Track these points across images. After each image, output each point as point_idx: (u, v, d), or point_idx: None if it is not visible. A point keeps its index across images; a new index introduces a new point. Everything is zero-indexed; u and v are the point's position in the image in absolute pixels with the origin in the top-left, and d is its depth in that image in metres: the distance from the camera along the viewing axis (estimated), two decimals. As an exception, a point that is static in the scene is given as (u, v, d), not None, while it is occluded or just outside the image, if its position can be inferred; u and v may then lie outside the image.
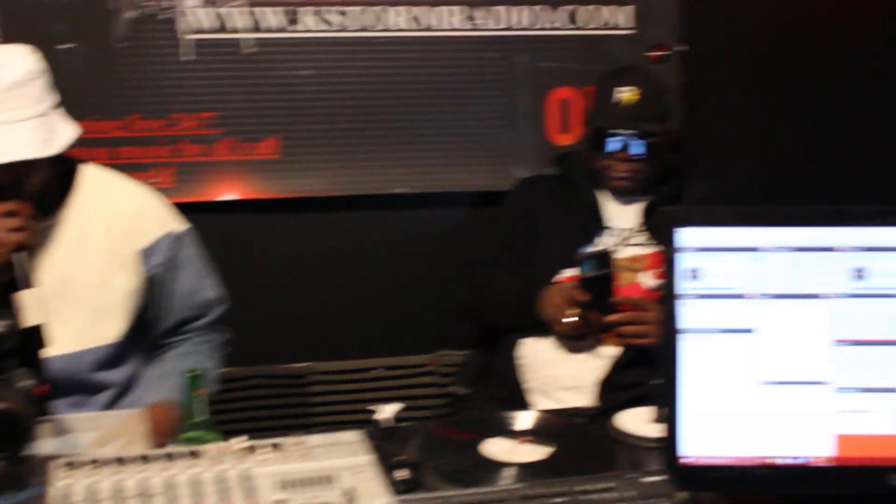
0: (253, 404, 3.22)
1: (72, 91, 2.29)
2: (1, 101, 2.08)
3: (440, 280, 3.24)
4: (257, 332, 3.28)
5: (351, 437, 1.56)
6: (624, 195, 2.79)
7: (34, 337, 2.10)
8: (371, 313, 3.36)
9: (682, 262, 1.71)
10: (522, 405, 2.61)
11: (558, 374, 2.64)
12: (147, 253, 2.35)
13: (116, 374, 2.36)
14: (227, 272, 3.14)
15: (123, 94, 3.11)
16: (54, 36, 3.03)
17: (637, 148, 2.72)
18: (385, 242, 3.36)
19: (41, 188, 2.21)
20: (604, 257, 2.54)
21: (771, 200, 3.41)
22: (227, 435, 1.94)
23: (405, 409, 2.03)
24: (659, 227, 2.37)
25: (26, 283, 2.10)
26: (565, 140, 3.35)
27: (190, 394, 1.93)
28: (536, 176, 3.06)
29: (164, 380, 2.30)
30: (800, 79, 3.58)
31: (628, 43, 3.38)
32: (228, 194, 3.22)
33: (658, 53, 3.40)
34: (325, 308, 3.34)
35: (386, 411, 2.01)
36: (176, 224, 2.43)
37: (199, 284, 2.43)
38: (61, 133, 2.19)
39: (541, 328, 2.64)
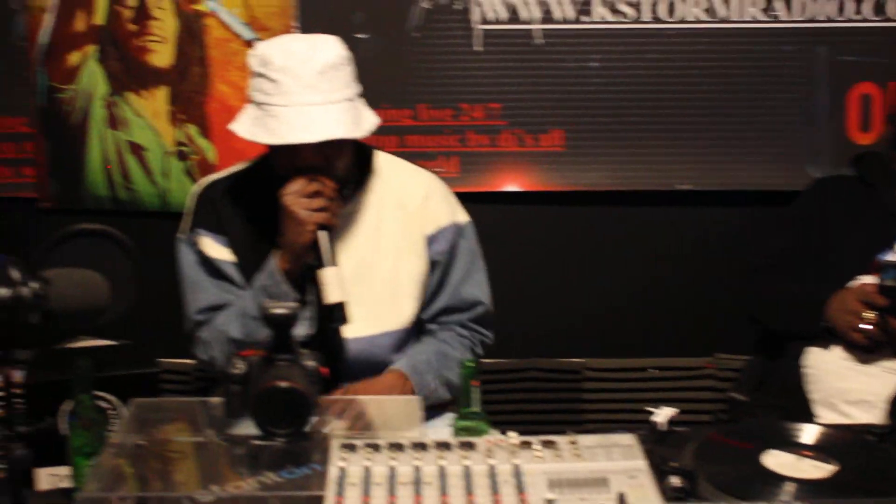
0: (525, 396, 3.23)
1: (365, 80, 2.32)
2: (315, 83, 2.15)
3: (721, 280, 3.12)
4: (533, 324, 3.29)
5: (626, 439, 1.52)
6: None
7: (336, 315, 2.20)
8: (648, 311, 3.30)
9: None
10: (805, 416, 2.48)
11: (846, 387, 2.49)
12: (431, 239, 2.40)
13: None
14: (507, 263, 3.18)
15: (414, 83, 3.19)
16: (351, 26, 3.13)
17: None
18: (666, 239, 3.29)
19: (343, 173, 2.29)
20: None
21: None
22: (497, 426, 1.95)
23: (681, 414, 1.97)
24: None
25: (329, 262, 2.19)
26: (866, 139, 3.16)
27: (467, 383, 1.95)
28: (832, 177, 2.90)
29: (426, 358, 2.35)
30: None
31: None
32: (511, 185, 3.24)
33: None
34: (603, 303, 3.31)
35: (662, 414, 1.95)
36: (459, 215, 2.46)
37: (468, 278, 2.44)
38: (367, 118, 2.26)
39: (829, 336, 2.50)
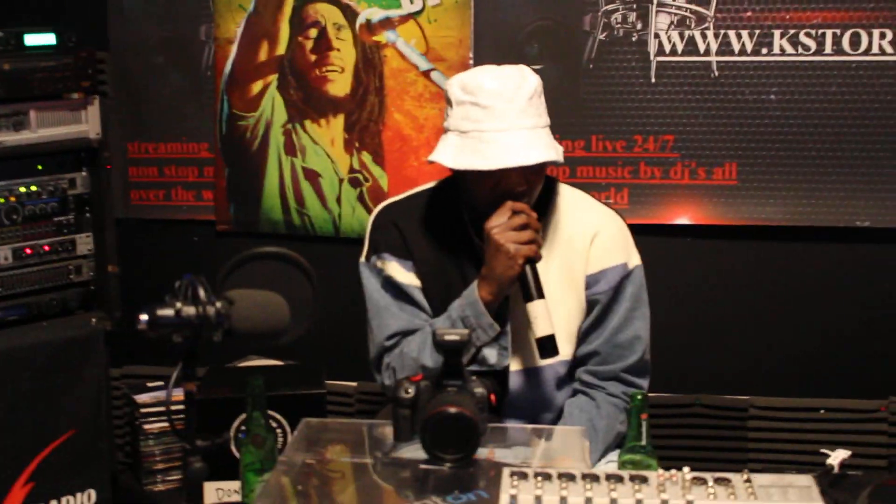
0: (689, 433, 3.17)
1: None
2: (525, 108, 2.19)
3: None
4: (701, 359, 3.24)
5: (803, 480, 1.47)
6: None
7: (546, 347, 2.21)
8: (821, 350, 3.19)
9: None
10: None
11: None
12: (592, 279, 2.36)
13: (562, 396, 2.41)
14: (676, 296, 3.14)
15: (587, 114, 3.18)
16: (525, 57, 3.14)
17: None
18: (841, 277, 3.18)
19: (537, 202, 2.30)
20: None
21: None
22: (662, 461, 1.92)
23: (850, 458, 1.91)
24: None
25: (536, 295, 2.21)
26: None
27: (637, 416, 1.93)
28: None
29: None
30: None
31: None
32: (682, 218, 3.19)
33: None
34: (773, 340, 3.22)
35: (836, 456, 1.89)
36: (629, 258, 2.40)
37: (627, 324, 2.38)
38: (559, 146, 2.28)
39: None
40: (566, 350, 2.36)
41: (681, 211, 3.18)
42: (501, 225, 2.20)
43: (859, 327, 3.17)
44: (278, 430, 2.46)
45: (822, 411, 3.10)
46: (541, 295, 2.21)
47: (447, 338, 1.90)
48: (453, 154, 2.22)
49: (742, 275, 3.22)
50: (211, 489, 2.42)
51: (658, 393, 3.04)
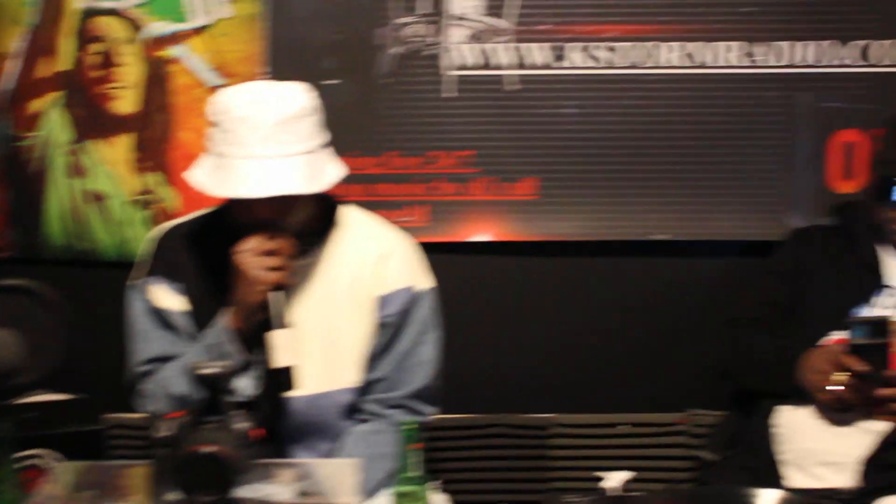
0: (490, 453, 3.12)
1: (333, 127, 2.28)
2: (271, 135, 2.09)
3: (697, 334, 3.03)
4: (501, 377, 3.19)
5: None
6: None
7: (283, 380, 2.11)
8: (621, 365, 3.19)
9: None
10: (775, 478, 2.37)
11: (817, 448, 2.39)
12: (385, 301, 2.29)
13: (349, 424, 2.33)
14: (477, 314, 3.09)
15: (383, 130, 3.10)
16: (321, 72, 3.05)
17: None
18: (641, 291, 3.18)
19: (302, 226, 2.22)
20: (881, 325, 2.27)
21: None
22: (464, 483, 1.85)
23: (651, 472, 1.88)
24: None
25: (280, 324, 2.12)
26: (848, 188, 3.05)
27: (405, 447, 1.85)
28: (811, 227, 2.80)
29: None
30: None
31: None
32: (482, 235, 3.13)
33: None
34: (574, 356, 3.20)
35: (615, 478, 1.85)
36: (420, 281, 2.35)
37: (415, 349, 2.32)
38: (326, 171, 2.19)
39: (801, 395, 2.40)
40: (354, 377, 2.29)
41: (481, 227, 3.13)
42: (248, 250, 2.12)
43: (659, 340, 3.18)
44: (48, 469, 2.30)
45: (619, 427, 3.09)
46: (284, 325, 2.12)
47: (204, 371, 1.80)
48: (201, 175, 2.17)
49: (543, 291, 3.19)
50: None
51: (459, 414, 2.97)
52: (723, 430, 2.70)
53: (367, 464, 2.17)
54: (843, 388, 2.29)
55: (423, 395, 2.32)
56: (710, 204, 3.10)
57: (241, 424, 1.80)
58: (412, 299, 2.31)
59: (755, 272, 2.77)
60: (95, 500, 1.86)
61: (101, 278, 3.06)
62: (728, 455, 2.59)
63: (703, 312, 3.02)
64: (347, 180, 2.49)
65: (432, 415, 2.35)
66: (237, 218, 2.19)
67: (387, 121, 3.09)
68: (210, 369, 1.80)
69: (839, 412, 2.35)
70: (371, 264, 2.29)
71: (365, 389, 2.32)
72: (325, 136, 2.23)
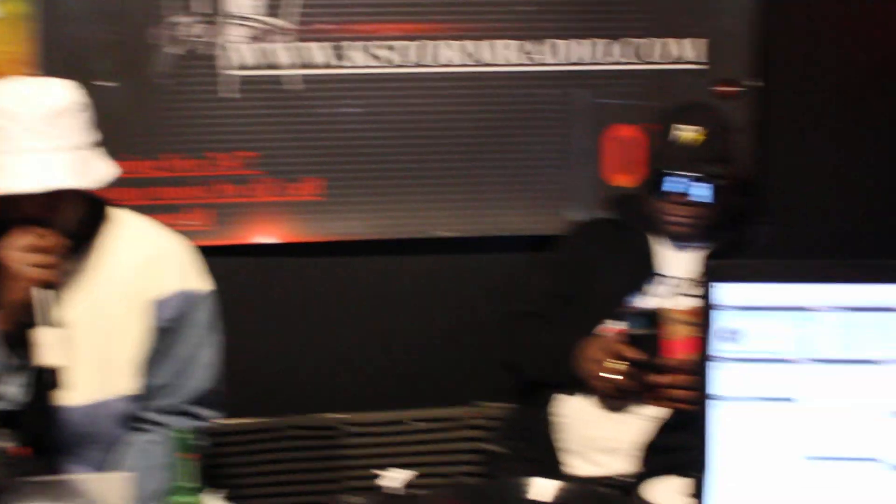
0: (283, 456, 3.08)
1: (109, 129, 2.22)
2: (38, 129, 2.03)
3: (482, 328, 3.08)
4: (291, 380, 3.16)
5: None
6: (680, 241, 2.61)
7: (48, 380, 2.03)
8: (409, 361, 3.22)
9: (720, 321, 1.55)
10: (556, 467, 2.44)
11: (597, 435, 2.47)
12: (160, 304, 2.23)
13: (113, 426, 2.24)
14: (263, 317, 3.05)
15: (161, 132, 3.01)
16: (95, 73, 2.94)
17: (697, 191, 2.56)
18: (426, 288, 3.21)
19: (71, 227, 2.13)
20: (654, 316, 2.36)
21: (849, 252, 3.17)
22: (255, 488, 1.81)
23: (442, 466, 1.90)
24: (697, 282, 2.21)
25: (47, 322, 2.03)
26: (624, 181, 3.15)
27: (177, 456, 1.80)
28: (589, 220, 2.89)
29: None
30: (884, 119, 3.34)
31: (697, 78, 3.19)
32: (267, 237, 3.09)
33: (728, 89, 3.19)
34: (363, 355, 3.20)
35: (395, 478, 1.86)
36: (196, 284, 2.29)
37: (194, 354, 2.26)
38: (97, 169, 2.12)
39: (580, 384, 2.46)
40: (129, 385, 2.21)
41: (266, 229, 3.08)
42: (12, 247, 2.03)
43: (447, 336, 3.22)
44: None
45: (406, 423, 3.11)
46: (51, 323, 2.03)
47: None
48: None
49: (329, 291, 3.18)
50: None
51: (248, 419, 2.93)
52: (508, 422, 2.76)
53: (143, 476, 2.10)
54: (618, 376, 2.36)
55: (203, 400, 2.27)
56: (492, 200, 3.16)
57: (2, 443, 1.73)
58: (188, 302, 2.25)
59: (536, 265, 2.84)
60: None
61: None
62: (513, 446, 2.64)
63: (487, 307, 3.08)
64: (125, 184, 2.43)
65: (214, 419, 2.30)
66: (2, 215, 2.08)
67: (165, 122, 3.01)
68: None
69: (615, 400, 2.42)
70: (143, 267, 2.23)
71: (143, 397, 2.25)
72: (96, 136, 2.15)
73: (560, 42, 3.14)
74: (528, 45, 3.12)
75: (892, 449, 1.54)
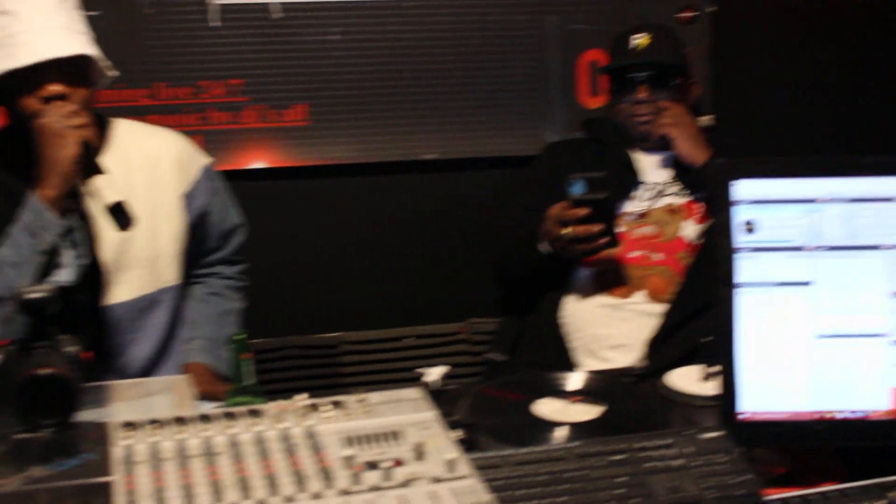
0: (284, 375, 3.20)
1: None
2: (49, 10, 2.15)
3: (470, 247, 3.21)
4: (287, 301, 3.26)
5: (413, 393, 1.53)
6: (650, 142, 2.76)
7: (119, 217, 2.13)
8: (401, 281, 3.34)
9: (738, 215, 1.69)
10: (567, 367, 2.58)
11: (605, 333, 2.61)
12: (189, 196, 2.40)
13: (161, 315, 2.38)
14: (255, 241, 3.12)
15: (150, 61, 3.08)
16: (82, 2, 2.97)
17: (656, 86, 2.72)
18: (414, 209, 3.33)
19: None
20: (598, 181, 2.45)
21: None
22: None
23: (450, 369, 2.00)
24: (711, 179, 2.34)
25: (97, 171, 2.15)
26: (596, 104, 3.31)
27: (237, 357, 1.91)
28: (563, 140, 3.03)
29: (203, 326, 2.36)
30: (832, 39, 3.54)
31: (660, 4, 3.35)
32: (257, 162, 3.19)
33: (688, 14, 3.36)
34: (355, 276, 3.32)
35: (433, 374, 1.98)
36: (203, 159, 2.49)
37: (226, 213, 2.51)
38: (104, 60, 2.24)
39: (584, 287, 2.61)
40: (169, 272, 2.36)
41: (255, 155, 3.18)
42: (50, 114, 2.12)
43: (436, 255, 3.34)
44: None
45: (404, 339, 3.24)
46: (101, 171, 2.15)
47: (29, 296, 1.78)
48: None
49: (320, 214, 3.28)
50: None
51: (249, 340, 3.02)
52: (505, 333, 2.88)
53: (215, 322, 2.27)
54: (569, 231, 2.46)
55: (239, 252, 2.56)
56: (473, 123, 3.29)
57: (72, 347, 1.80)
58: (208, 177, 2.46)
59: (515, 184, 2.94)
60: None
61: None
62: (516, 354, 2.78)
63: (473, 226, 3.21)
64: (118, 112, 2.51)
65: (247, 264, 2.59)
66: (24, 109, 2.17)
67: (153, 52, 3.08)
68: (35, 293, 1.79)
69: (569, 256, 2.53)
70: (165, 165, 2.38)
71: (193, 263, 2.46)
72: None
73: (532, -30, 3.26)
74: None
75: (893, 326, 1.70)
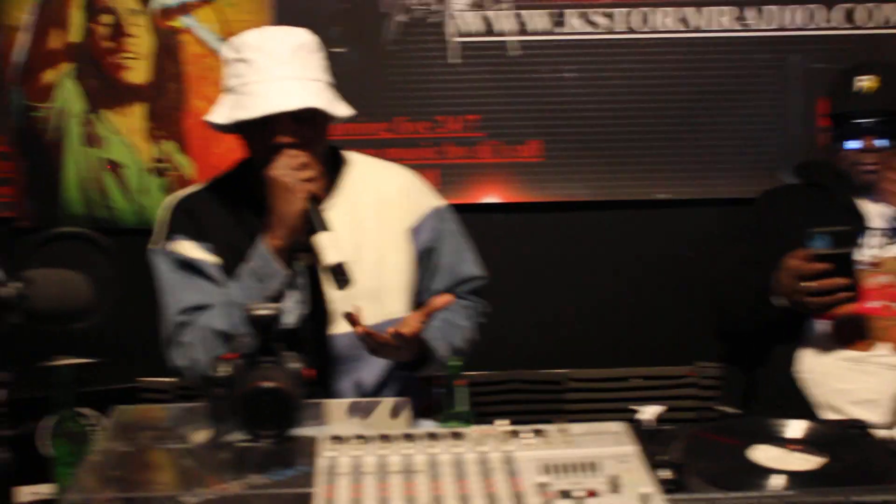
0: (507, 409, 3.20)
1: (342, 93, 2.34)
2: (286, 59, 2.19)
3: (699, 288, 3.13)
4: (515, 335, 3.28)
5: (615, 427, 1.52)
6: (877, 193, 2.61)
7: (338, 277, 2.14)
8: (629, 320, 3.31)
9: None
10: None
11: (849, 388, 2.48)
12: (416, 231, 2.40)
13: None
14: (489, 276, 3.17)
15: (391, 96, 3.20)
16: (328, 40, 3.10)
17: (885, 134, 2.57)
18: (644, 248, 3.30)
19: (322, 158, 2.27)
20: (843, 235, 2.36)
21: None
22: None
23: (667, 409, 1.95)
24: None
25: (323, 227, 2.17)
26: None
27: (451, 383, 1.94)
28: (781, 186, 2.91)
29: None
30: None
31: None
32: (491, 197, 3.24)
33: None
34: (584, 313, 3.31)
35: (648, 412, 1.94)
36: (438, 201, 2.48)
37: (459, 258, 2.46)
38: (343, 105, 2.29)
39: (822, 340, 2.51)
40: (394, 305, 2.36)
41: (489, 189, 3.23)
42: (280, 166, 2.18)
43: (666, 296, 3.29)
44: (93, 425, 2.36)
45: (631, 380, 3.20)
46: (326, 228, 2.18)
47: (258, 312, 1.86)
48: (221, 112, 2.23)
49: (551, 250, 3.30)
50: (25, 493, 2.31)
51: (474, 371, 3.05)
52: (731, 384, 2.78)
53: (445, 329, 2.31)
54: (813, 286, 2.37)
55: (479, 293, 2.51)
56: (708, 163, 3.24)
57: (295, 364, 1.88)
58: (438, 217, 2.45)
59: (734, 231, 2.83)
60: (155, 441, 1.92)
61: (123, 246, 3.09)
62: (749, 407, 2.67)
63: (704, 268, 3.13)
64: (357, 145, 2.60)
65: (487, 308, 2.54)
66: (255, 155, 2.25)
67: (394, 87, 3.19)
68: (263, 310, 1.87)
69: (819, 311, 2.44)
70: (393, 199, 2.40)
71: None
72: (332, 80, 2.31)
73: (774, 7, 3.19)
74: (743, 11, 3.18)
75: None
